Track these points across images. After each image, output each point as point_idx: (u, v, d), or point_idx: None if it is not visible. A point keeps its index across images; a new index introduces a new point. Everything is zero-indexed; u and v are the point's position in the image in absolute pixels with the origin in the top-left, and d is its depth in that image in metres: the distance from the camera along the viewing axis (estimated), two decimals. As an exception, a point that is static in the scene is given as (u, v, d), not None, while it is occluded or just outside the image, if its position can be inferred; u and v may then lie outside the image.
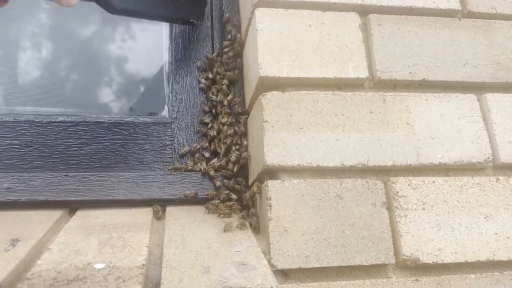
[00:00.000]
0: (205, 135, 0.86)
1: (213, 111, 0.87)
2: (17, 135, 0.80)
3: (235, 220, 0.69)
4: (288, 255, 0.61)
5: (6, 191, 0.71)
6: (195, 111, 0.89)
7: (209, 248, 0.57)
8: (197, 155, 0.84)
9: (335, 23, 0.75)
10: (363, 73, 0.72)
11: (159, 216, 0.72)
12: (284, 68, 0.70)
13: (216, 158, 0.82)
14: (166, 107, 0.89)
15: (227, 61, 0.86)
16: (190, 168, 0.81)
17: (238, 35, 0.86)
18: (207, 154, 0.83)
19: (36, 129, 0.81)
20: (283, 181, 0.65)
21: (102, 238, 0.58)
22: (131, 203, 0.75)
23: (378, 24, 0.76)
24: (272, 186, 0.64)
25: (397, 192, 0.66)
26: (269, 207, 0.63)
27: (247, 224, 0.66)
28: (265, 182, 0.65)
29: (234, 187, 0.77)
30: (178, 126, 0.87)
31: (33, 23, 0.96)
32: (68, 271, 0.48)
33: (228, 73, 0.84)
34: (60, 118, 0.82)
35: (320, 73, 0.71)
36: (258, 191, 0.67)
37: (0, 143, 0.78)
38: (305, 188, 0.65)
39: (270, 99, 0.69)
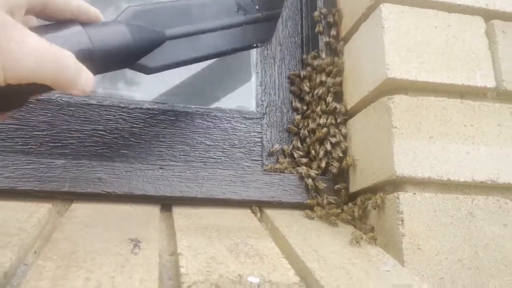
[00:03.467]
0: (296, 134, 0.81)
1: (304, 108, 0.82)
2: (101, 120, 0.73)
3: (348, 230, 0.64)
4: (422, 275, 0.56)
5: (99, 182, 0.65)
6: (284, 107, 0.83)
7: (353, 265, 0.51)
8: (287, 155, 0.78)
9: (461, 26, 0.70)
10: (491, 83, 0.68)
11: (258, 219, 0.67)
12: (412, 71, 0.65)
13: (312, 161, 0.77)
14: (253, 101, 0.84)
15: (325, 61, 0.80)
16: (284, 169, 0.75)
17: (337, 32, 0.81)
18: (300, 155, 0.78)
19: (122, 114, 0.74)
20: (414, 194, 0.60)
21: (228, 244, 0.53)
22: (228, 203, 0.70)
23: (503, 31, 0.71)
24: (404, 199, 0.59)
25: (530, 214, 0.61)
26: (400, 222, 0.58)
27: (376, 238, 0.60)
28: (395, 194, 0.60)
29: (336, 193, 0.72)
30: (267, 122, 0.81)
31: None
32: (224, 284, 0.42)
33: (330, 79, 0.78)
34: (147, 105, 0.76)
35: (448, 78, 0.66)
36: (381, 202, 0.62)
37: (84, 127, 0.72)
38: (437, 203, 0.60)
39: (399, 103, 0.63)
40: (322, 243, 0.57)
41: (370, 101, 0.69)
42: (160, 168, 0.69)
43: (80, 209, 0.61)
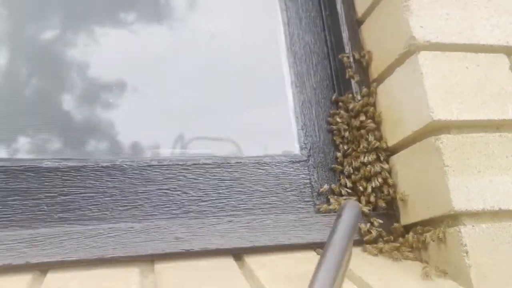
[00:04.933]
0: (341, 172, 0.86)
1: (345, 147, 0.87)
2: (164, 179, 0.77)
3: (411, 264, 0.69)
4: (493, 302, 0.61)
5: (177, 241, 0.69)
6: (326, 148, 0.89)
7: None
8: (336, 193, 0.84)
9: (488, 65, 0.77)
10: (522, 114, 0.74)
11: (327, 261, 0.72)
12: (453, 111, 0.71)
13: (360, 197, 0.82)
14: (296, 145, 0.89)
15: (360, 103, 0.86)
16: (337, 207, 0.80)
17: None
18: (348, 193, 0.83)
19: (182, 172, 0.79)
20: (473, 226, 0.66)
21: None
22: (295, 247, 0.74)
23: (525, 66, 0.78)
24: (466, 232, 0.65)
25: None
26: (465, 254, 0.64)
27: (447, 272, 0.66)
28: (457, 228, 0.66)
29: (390, 228, 0.77)
30: (313, 163, 0.87)
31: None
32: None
33: (369, 120, 0.84)
34: (203, 160, 0.81)
35: (485, 115, 0.73)
36: (443, 236, 0.68)
37: (149, 188, 0.76)
38: (494, 232, 0.66)
39: (447, 143, 0.69)
40: (397, 280, 0.63)
41: (414, 139, 0.75)
42: (229, 222, 0.73)
43: (166, 270, 0.65)
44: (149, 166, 0.78)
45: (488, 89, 0.74)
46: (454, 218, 0.68)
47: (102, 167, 0.75)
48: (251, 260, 0.70)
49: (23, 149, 0.77)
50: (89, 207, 0.72)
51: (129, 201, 0.74)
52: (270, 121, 0.91)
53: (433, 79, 0.73)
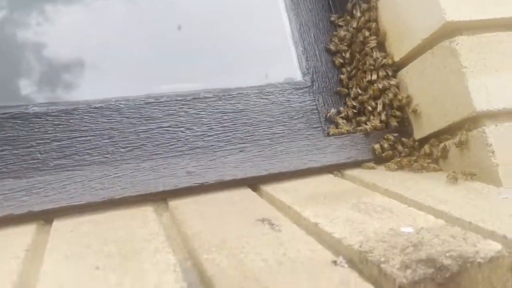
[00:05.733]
0: (347, 95, 0.82)
1: (348, 68, 0.83)
2: (164, 116, 0.72)
3: (433, 173, 0.67)
4: (522, 198, 0.60)
5: (189, 175, 0.65)
6: (328, 71, 0.84)
7: (473, 200, 0.54)
8: (344, 117, 0.80)
9: (495, -39, 0.72)
10: (533, 11, 0.71)
11: (347, 179, 0.69)
12: (466, 12, 0.67)
13: (369, 117, 0.79)
14: (298, 71, 0.84)
15: (362, 19, 0.81)
16: (347, 131, 0.77)
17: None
18: (354, 113, 0.80)
19: (182, 107, 0.73)
20: (496, 125, 0.63)
21: (349, 206, 0.55)
22: (312, 171, 0.71)
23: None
24: (490, 132, 0.63)
25: None
26: (491, 153, 0.62)
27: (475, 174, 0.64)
28: (480, 129, 0.63)
29: (403, 142, 0.75)
30: (317, 89, 0.82)
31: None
32: (386, 237, 0.44)
33: (372, 36, 0.79)
34: (203, 94, 0.75)
35: (497, 14, 0.69)
36: (465, 139, 0.65)
37: (149, 126, 0.71)
38: (517, 130, 0.64)
39: (463, 44, 0.66)
40: (426, 188, 0.60)
41: (425, 48, 0.72)
42: (240, 151, 0.69)
43: (181, 205, 0.61)
44: (146, 103, 0.72)
45: (497, -13, 0.70)
46: (475, 121, 0.65)
47: (96, 108, 0.69)
48: (269, 188, 0.66)
49: (5, 95, 0.70)
50: (87, 151, 0.66)
51: (130, 142, 0.69)
52: (268, 49, 0.85)
53: (442, -21, 0.68)
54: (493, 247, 0.41)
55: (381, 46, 0.80)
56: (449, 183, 0.62)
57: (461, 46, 0.66)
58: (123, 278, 0.40)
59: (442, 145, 0.69)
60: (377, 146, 0.74)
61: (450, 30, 0.68)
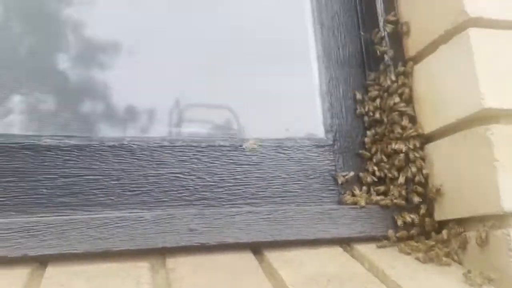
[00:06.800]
0: (370, 159, 0.79)
1: (374, 131, 0.80)
2: (176, 162, 0.70)
3: (452, 267, 0.63)
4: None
5: (191, 233, 0.62)
6: (353, 131, 0.81)
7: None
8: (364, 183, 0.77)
9: (545, 45, 0.68)
10: None
11: (356, 259, 0.65)
12: (506, 99, 0.63)
13: (389, 187, 0.75)
14: (321, 127, 0.81)
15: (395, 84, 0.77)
16: (364, 200, 0.73)
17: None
18: (375, 181, 0.76)
19: (196, 154, 0.71)
20: (523, 229, 0.59)
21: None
22: (321, 242, 0.68)
23: None
24: (516, 236, 0.58)
25: None
26: (516, 260, 0.57)
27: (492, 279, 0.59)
28: (504, 231, 0.59)
29: (423, 224, 0.71)
30: (339, 148, 0.79)
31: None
32: None
33: (403, 103, 0.76)
34: (219, 142, 0.73)
35: (540, 104, 0.64)
36: (486, 237, 0.61)
37: (159, 171, 0.69)
38: (545, 237, 0.59)
39: (499, 134, 0.62)
40: (437, 285, 0.56)
41: (458, 128, 0.68)
42: (248, 212, 0.66)
43: (179, 266, 0.58)
44: (160, 147, 0.70)
45: (543, 73, 0.66)
46: (501, 219, 0.61)
47: (108, 146, 0.67)
48: (273, 256, 0.64)
49: (19, 123, 0.69)
50: (94, 191, 0.65)
51: (138, 186, 0.67)
52: (292, 99, 0.82)
53: (485, 61, 0.64)
54: None
55: (411, 114, 0.76)
56: (466, 283, 0.58)
57: (497, 136, 0.62)
58: None
59: (462, 236, 0.65)
60: (394, 223, 0.70)
61: (487, 117, 0.64)
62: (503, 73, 0.65)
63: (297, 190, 0.74)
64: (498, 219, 0.61)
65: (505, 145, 0.61)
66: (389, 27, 0.79)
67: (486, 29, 0.66)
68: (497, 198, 0.60)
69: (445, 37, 0.69)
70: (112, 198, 0.66)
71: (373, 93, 0.80)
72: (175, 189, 0.69)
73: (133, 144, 0.69)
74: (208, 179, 0.71)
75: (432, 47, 0.73)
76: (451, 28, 0.68)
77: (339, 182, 0.76)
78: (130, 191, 0.67)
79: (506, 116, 0.64)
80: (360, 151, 0.79)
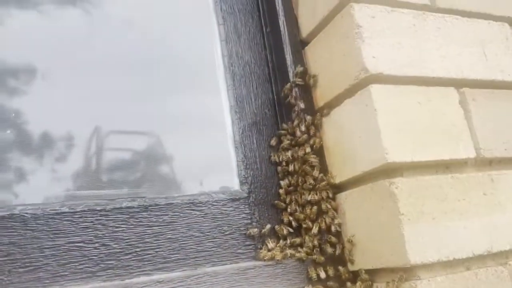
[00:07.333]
0: (284, 209, 0.78)
1: (287, 181, 0.79)
2: (77, 230, 0.64)
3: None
4: None
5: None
6: (268, 182, 0.80)
7: None
8: (280, 236, 0.76)
9: (439, 99, 0.73)
10: (472, 153, 0.72)
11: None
12: (407, 152, 0.66)
13: (303, 237, 0.75)
14: (236, 179, 0.79)
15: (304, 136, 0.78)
16: (281, 253, 0.72)
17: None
18: (290, 232, 0.76)
19: (100, 219, 0.66)
20: (429, 281, 0.61)
21: None
22: (236, 306, 0.65)
23: (473, 99, 0.76)
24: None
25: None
26: (422, 313, 0.59)
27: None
28: (412, 284, 0.60)
29: (341, 276, 0.71)
30: (254, 200, 0.78)
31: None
32: None
33: (313, 156, 0.77)
34: (126, 203, 0.68)
35: (438, 155, 0.68)
36: (396, 290, 0.62)
37: (57, 242, 0.62)
38: (449, 285, 0.62)
39: (402, 188, 0.64)
40: None
41: (365, 179, 0.69)
42: (158, 282, 0.62)
43: None
44: (58, 214, 0.64)
45: (440, 127, 0.70)
46: (409, 271, 0.62)
47: (-4, 218, 0.60)
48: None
49: None
50: (-23, 272, 0.57)
51: (32, 260, 0.60)
52: (206, 153, 0.80)
53: (386, 116, 0.67)
54: None
55: (322, 164, 0.77)
56: None
57: (401, 190, 0.64)
58: None
59: (374, 287, 0.65)
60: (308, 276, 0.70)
61: (391, 170, 0.66)
62: (405, 127, 0.68)
63: (212, 249, 0.71)
64: (406, 271, 0.62)
65: (410, 197, 0.64)
66: (298, 80, 0.80)
67: (387, 85, 0.69)
68: (403, 251, 0.61)
69: (350, 91, 0.72)
70: (1, 278, 0.58)
71: (286, 143, 0.80)
72: (75, 260, 0.62)
73: (26, 213, 0.62)
74: (114, 245, 0.65)
75: (338, 100, 0.75)
76: (354, 83, 0.70)
77: (255, 237, 0.74)
78: (22, 267, 0.60)
79: (409, 169, 0.67)
80: (276, 202, 0.78)
